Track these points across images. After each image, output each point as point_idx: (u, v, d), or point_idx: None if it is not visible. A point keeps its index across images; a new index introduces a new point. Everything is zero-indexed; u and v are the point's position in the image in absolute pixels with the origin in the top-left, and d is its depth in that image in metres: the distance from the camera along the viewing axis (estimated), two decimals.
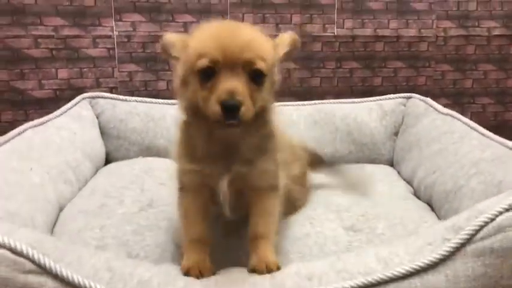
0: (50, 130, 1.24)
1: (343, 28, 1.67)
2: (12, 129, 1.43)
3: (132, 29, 1.52)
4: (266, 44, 0.74)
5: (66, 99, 1.45)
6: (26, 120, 1.47)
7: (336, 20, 1.66)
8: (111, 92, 1.49)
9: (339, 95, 1.71)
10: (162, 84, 1.58)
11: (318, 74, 1.69)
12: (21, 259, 0.67)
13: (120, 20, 1.50)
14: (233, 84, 0.69)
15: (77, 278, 0.68)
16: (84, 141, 1.30)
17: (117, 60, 1.52)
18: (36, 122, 1.22)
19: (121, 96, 1.40)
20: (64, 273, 0.68)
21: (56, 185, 1.12)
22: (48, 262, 0.68)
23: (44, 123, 1.24)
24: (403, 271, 0.67)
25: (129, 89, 1.54)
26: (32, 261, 0.68)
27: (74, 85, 1.49)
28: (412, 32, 1.71)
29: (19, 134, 1.16)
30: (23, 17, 1.41)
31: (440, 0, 1.69)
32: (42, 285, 0.67)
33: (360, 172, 1.33)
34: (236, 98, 0.68)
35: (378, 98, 1.54)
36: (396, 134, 1.51)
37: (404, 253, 0.70)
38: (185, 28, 1.56)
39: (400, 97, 1.53)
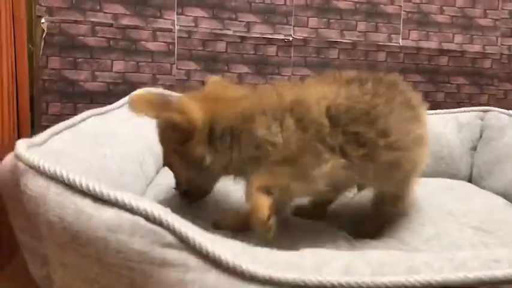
0: (113, 120, 1.10)
1: (409, 39, 1.60)
2: (60, 122, 1.29)
3: (193, 25, 1.41)
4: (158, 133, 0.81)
5: (119, 95, 1.32)
6: (74, 114, 1.32)
7: (401, 30, 1.59)
8: (168, 90, 1.37)
9: None
10: None
11: None
12: (160, 229, 0.53)
13: (182, 14, 1.40)
14: None
15: (224, 257, 0.53)
16: (148, 137, 1.16)
17: (176, 57, 1.41)
18: (98, 110, 1.08)
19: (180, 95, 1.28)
20: (210, 250, 0.53)
21: (130, 176, 0.97)
22: (192, 235, 0.53)
23: (107, 112, 1.10)
24: None
25: (186, 88, 1.41)
26: (173, 232, 0.53)
27: (129, 79, 1.36)
28: (476, 47, 1.65)
29: (83, 120, 1.01)
30: (82, 1, 1.30)
31: (504, 18, 1.64)
32: (182, 264, 0.53)
33: None
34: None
35: (452, 110, 1.45)
36: (473, 148, 1.41)
37: None
38: (247, 28, 1.47)
39: (475, 110, 1.44)
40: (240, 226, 0.79)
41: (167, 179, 1.11)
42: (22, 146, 0.61)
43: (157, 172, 1.18)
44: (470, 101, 1.67)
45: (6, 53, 1.08)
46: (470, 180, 1.39)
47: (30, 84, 1.24)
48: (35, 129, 1.28)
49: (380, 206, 0.87)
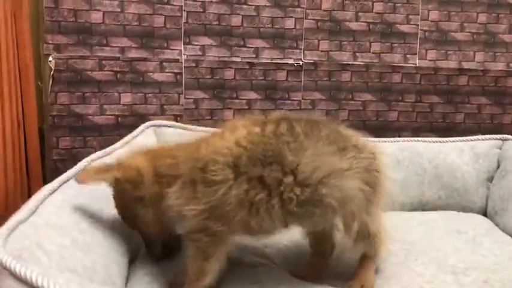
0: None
1: (426, 59, 1.53)
2: (71, 156, 1.33)
3: (201, 53, 1.41)
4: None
5: (128, 127, 1.35)
6: (85, 147, 1.35)
7: (418, 50, 1.52)
8: (176, 120, 1.38)
9: (417, 131, 1.56)
10: (228, 113, 1.46)
11: (395, 108, 1.55)
12: None
13: (190, 43, 1.39)
14: None
15: None
16: None
17: (184, 86, 1.41)
18: (100, 153, 1.08)
19: (189, 126, 1.28)
20: None
21: (125, 231, 0.98)
22: None
23: (109, 154, 1.11)
24: None
25: (194, 117, 1.42)
26: None
27: (137, 111, 1.37)
28: (499, 65, 1.56)
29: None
30: (89, 37, 1.31)
31: None
32: None
33: None
34: None
35: (467, 138, 1.39)
36: (490, 179, 1.35)
37: None
38: (256, 54, 1.45)
39: (493, 139, 1.37)
40: None
41: None
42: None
43: None
44: (492, 121, 1.60)
45: (9, 93, 1.11)
46: (485, 213, 1.34)
47: (40, 121, 1.27)
48: (45, 162, 1.31)
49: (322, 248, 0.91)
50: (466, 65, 1.55)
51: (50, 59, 1.28)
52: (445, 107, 1.57)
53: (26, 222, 0.73)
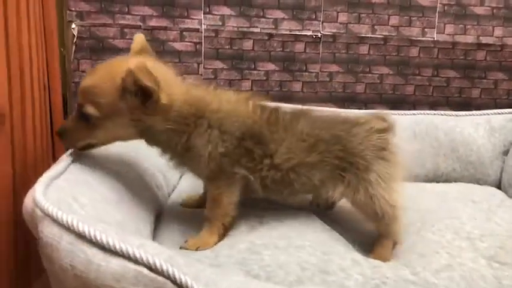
0: None
1: (443, 33, 1.53)
2: None
3: (220, 23, 1.41)
4: (106, 88, 0.81)
5: None
6: None
7: (436, 24, 1.52)
8: None
9: (433, 105, 1.57)
10: (246, 84, 1.47)
11: (412, 81, 1.55)
12: (162, 279, 0.57)
13: (210, 13, 1.40)
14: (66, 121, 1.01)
15: None
16: None
17: (203, 56, 1.42)
18: None
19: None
20: None
21: (151, 190, 1.01)
22: (190, 283, 0.57)
23: None
24: None
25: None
26: (174, 281, 0.57)
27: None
28: None
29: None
30: (111, 5, 1.32)
31: None
32: None
33: None
34: (61, 128, 0.89)
35: (484, 112, 1.40)
36: (505, 153, 1.37)
37: None
38: (275, 25, 1.45)
39: (509, 113, 1.38)
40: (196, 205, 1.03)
41: (189, 183, 1.15)
42: (39, 189, 0.66)
43: (180, 177, 1.22)
44: (508, 97, 1.60)
45: (37, 58, 1.13)
46: (499, 186, 1.35)
47: (62, 87, 1.29)
48: None
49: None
50: (484, 40, 1.55)
51: (73, 26, 1.30)
52: (461, 82, 1.58)
53: (59, 179, 0.76)
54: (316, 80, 1.51)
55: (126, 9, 1.33)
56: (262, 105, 0.92)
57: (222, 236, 0.90)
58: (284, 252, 0.83)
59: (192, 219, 0.98)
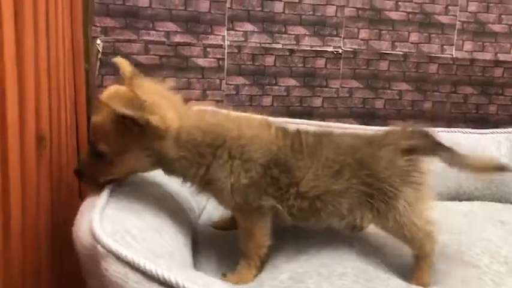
0: None
1: (462, 50, 1.54)
2: None
3: (243, 39, 1.41)
4: (108, 124, 0.79)
5: None
6: None
7: (455, 41, 1.53)
8: (217, 106, 1.38)
9: (451, 121, 1.58)
10: (267, 100, 1.47)
11: (430, 98, 1.56)
12: None
13: (233, 29, 1.40)
14: (81, 160, 0.99)
15: None
16: None
17: (226, 72, 1.41)
18: None
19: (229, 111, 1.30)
20: None
21: (185, 213, 1.01)
22: None
23: None
24: None
25: (234, 102, 1.43)
26: None
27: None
28: None
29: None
30: (135, 21, 1.31)
31: None
32: None
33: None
34: (79, 168, 0.87)
35: (506, 130, 1.41)
36: None
37: None
38: (297, 41, 1.45)
39: None
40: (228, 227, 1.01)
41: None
42: (97, 224, 0.65)
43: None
44: None
45: (67, 75, 1.12)
46: None
47: (87, 103, 1.28)
48: None
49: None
50: (501, 57, 1.57)
51: (98, 41, 1.28)
52: (479, 98, 1.59)
53: (107, 208, 0.75)
54: (336, 95, 1.51)
55: (151, 25, 1.33)
56: (284, 129, 0.89)
57: (260, 268, 0.88)
58: (327, 280, 0.83)
59: (226, 242, 0.97)
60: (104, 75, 1.32)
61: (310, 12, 1.45)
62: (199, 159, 0.82)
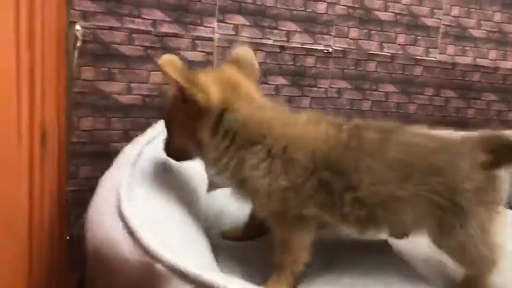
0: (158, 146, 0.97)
1: (445, 54, 1.55)
2: (92, 138, 1.19)
3: (234, 33, 1.31)
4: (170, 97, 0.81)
5: (155, 108, 1.24)
6: (107, 129, 1.22)
7: (439, 44, 1.54)
8: None
9: (432, 124, 1.58)
10: None
11: (415, 100, 1.56)
12: None
13: (223, 21, 1.30)
14: None
15: None
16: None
17: (215, 67, 1.31)
18: (145, 138, 0.95)
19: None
20: None
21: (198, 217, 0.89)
22: None
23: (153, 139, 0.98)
24: None
25: None
26: None
27: (166, 92, 1.26)
28: (509, 64, 1.63)
29: (139, 154, 0.88)
30: (119, 6, 1.17)
31: None
32: None
33: None
34: None
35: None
36: None
37: None
38: (287, 38, 1.38)
39: None
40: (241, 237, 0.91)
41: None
42: (149, 236, 0.53)
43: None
44: (498, 118, 1.66)
45: (50, 65, 0.96)
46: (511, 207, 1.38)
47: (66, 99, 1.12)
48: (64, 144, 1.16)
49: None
50: (480, 62, 1.60)
51: (77, 27, 1.13)
52: (458, 102, 1.61)
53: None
54: (325, 95, 1.46)
55: (136, 12, 1.19)
56: (338, 124, 0.79)
57: (292, 286, 0.78)
58: None
59: (247, 252, 0.87)
60: (81, 67, 1.16)
61: (302, 8, 1.38)
62: (232, 152, 0.76)
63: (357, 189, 0.75)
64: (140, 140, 0.91)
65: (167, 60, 0.74)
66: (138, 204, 0.62)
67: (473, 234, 0.76)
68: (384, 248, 0.91)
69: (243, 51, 0.87)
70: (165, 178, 0.81)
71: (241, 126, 0.76)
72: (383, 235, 0.91)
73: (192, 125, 0.77)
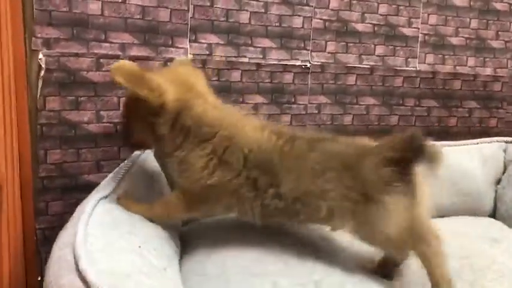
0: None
1: (425, 63, 1.53)
2: (61, 172, 1.13)
3: (208, 53, 1.26)
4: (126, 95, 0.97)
5: None
6: (78, 161, 1.15)
7: (418, 53, 1.51)
8: None
9: None
10: None
11: (397, 112, 1.53)
12: None
13: (196, 41, 1.24)
14: None
15: None
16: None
17: None
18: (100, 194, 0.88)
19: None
20: None
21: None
22: None
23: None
24: None
25: None
26: None
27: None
28: (488, 71, 1.61)
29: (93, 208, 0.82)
30: (85, 31, 1.11)
31: None
32: None
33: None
34: None
35: (473, 141, 1.42)
36: (497, 182, 1.39)
37: None
38: (263, 55, 1.33)
39: (498, 141, 1.41)
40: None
41: None
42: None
43: None
44: (480, 125, 1.64)
45: (10, 99, 0.90)
46: (494, 216, 1.36)
47: (30, 132, 1.05)
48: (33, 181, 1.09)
49: None
50: (459, 70, 1.58)
51: (40, 56, 1.06)
52: (440, 111, 1.58)
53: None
54: (304, 112, 1.42)
55: (103, 36, 1.13)
56: (280, 132, 0.91)
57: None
58: None
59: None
60: (46, 97, 1.09)
61: (277, 23, 1.34)
62: (185, 146, 0.87)
63: (279, 185, 0.88)
64: (95, 196, 0.85)
65: (117, 69, 0.82)
66: (96, 257, 0.58)
67: (382, 220, 0.85)
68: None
69: (182, 59, 1.03)
70: (123, 226, 0.77)
71: (195, 123, 0.88)
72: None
73: (152, 121, 0.88)
